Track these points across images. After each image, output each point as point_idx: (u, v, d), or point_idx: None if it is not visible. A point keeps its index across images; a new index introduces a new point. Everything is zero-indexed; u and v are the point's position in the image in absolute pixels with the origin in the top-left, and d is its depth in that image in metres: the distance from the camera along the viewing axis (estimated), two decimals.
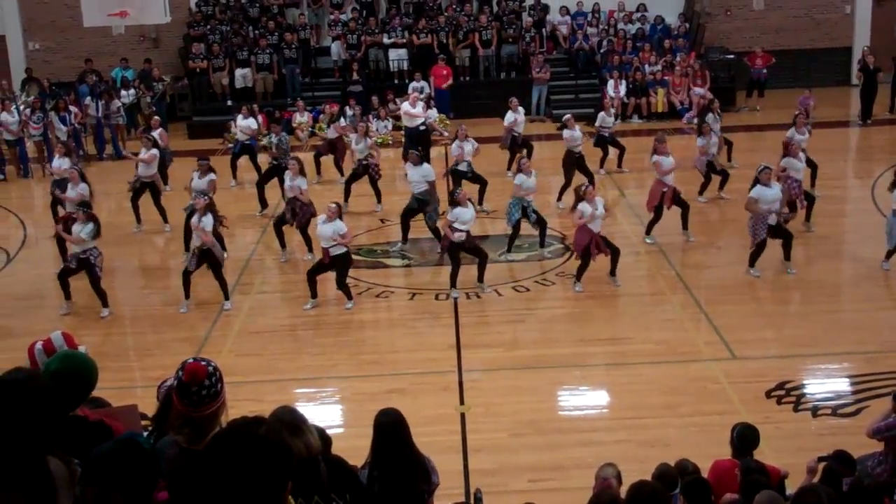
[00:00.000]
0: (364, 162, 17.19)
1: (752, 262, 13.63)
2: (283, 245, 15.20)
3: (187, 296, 13.30)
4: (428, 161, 16.41)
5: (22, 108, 21.91)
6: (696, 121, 22.15)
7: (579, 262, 13.41)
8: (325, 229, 12.85)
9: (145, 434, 4.59)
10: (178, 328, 12.92)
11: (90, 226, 12.88)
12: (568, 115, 17.60)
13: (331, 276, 13.29)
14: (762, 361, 11.26)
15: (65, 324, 12.71)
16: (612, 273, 13.53)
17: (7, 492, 3.68)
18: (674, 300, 13.14)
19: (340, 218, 12.92)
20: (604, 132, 19.02)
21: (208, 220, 13.03)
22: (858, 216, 16.74)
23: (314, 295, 13.23)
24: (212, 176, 14.98)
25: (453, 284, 13.44)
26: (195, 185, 14.81)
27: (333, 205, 13.06)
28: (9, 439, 3.73)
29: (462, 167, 16.97)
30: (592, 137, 19.14)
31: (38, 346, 4.91)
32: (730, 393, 10.47)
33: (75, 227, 13.00)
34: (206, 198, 13.54)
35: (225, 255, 14.56)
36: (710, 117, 18.11)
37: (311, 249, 14.83)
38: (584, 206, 13.06)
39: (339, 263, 13.03)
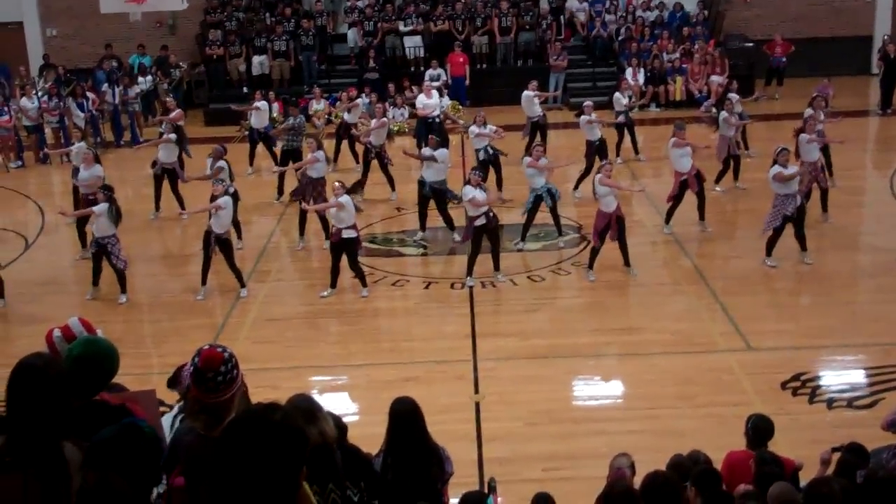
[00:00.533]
0: (376, 148, 17.17)
1: (768, 251, 13.56)
2: (301, 233, 15.20)
3: (204, 282, 13.35)
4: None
5: (41, 94, 22.01)
6: (714, 110, 22.07)
7: (591, 248, 13.42)
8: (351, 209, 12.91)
9: (175, 412, 4.62)
10: (195, 315, 12.98)
11: (105, 204, 12.96)
12: (588, 102, 17.50)
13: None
14: (778, 352, 11.23)
15: (82, 309, 12.79)
16: (627, 263, 13.50)
17: (23, 476, 3.73)
18: (689, 290, 13.11)
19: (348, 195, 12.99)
20: (620, 118, 18.94)
21: (226, 202, 13.08)
22: (876, 207, 16.68)
23: (333, 285, 13.25)
24: (220, 163, 14.93)
25: (469, 272, 13.44)
26: (210, 173, 14.84)
27: (337, 183, 13.09)
28: (25, 424, 3.78)
29: (481, 155, 16.89)
30: (613, 125, 19.03)
31: (57, 332, 4.94)
32: (745, 384, 10.46)
33: (96, 209, 13.07)
34: (224, 184, 13.56)
35: (240, 244, 14.55)
36: (732, 96, 18.04)
37: (328, 237, 14.87)
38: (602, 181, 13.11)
39: (349, 247, 13.06)
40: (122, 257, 13.19)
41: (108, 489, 3.27)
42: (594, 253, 13.40)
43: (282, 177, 17.48)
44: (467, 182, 13.36)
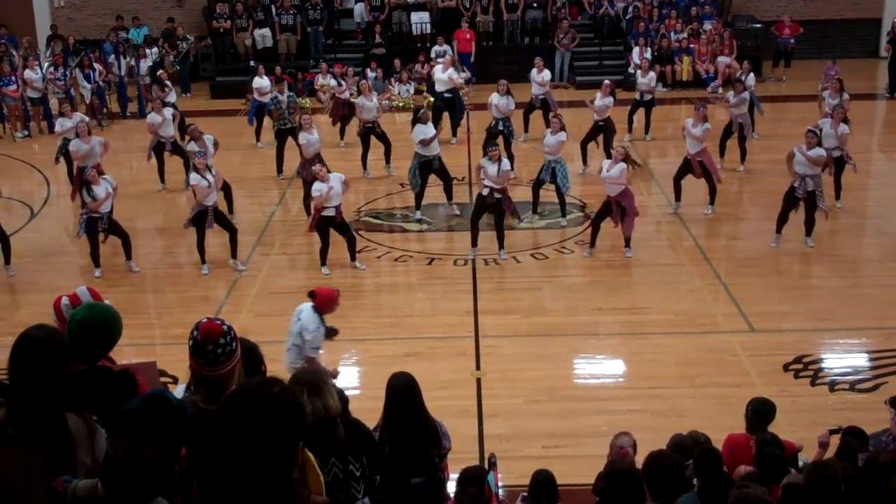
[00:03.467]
0: (368, 125, 17.07)
1: (777, 228, 13.54)
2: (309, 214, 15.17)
3: (203, 259, 13.34)
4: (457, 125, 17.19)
5: (46, 65, 21.95)
6: (720, 90, 22.01)
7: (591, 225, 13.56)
8: (338, 189, 12.87)
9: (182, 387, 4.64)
10: (198, 287, 12.98)
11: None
12: (607, 81, 17.36)
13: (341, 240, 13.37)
14: (780, 334, 11.24)
15: (87, 279, 12.82)
16: (626, 245, 13.46)
17: (27, 447, 3.75)
18: (693, 271, 13.10)
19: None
20: (647, 97, 18.94)
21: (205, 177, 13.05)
22: (882, 190, 16.62)
23: (325, 262, 13.24)
24: (207, 137, 14.77)
25: (473, 242, 13.50)
26: (191, 148, 14.77)
27: (320, 166, 13.12)
28: (28, 395, 3.80)
29: (493, 123, 16.77)
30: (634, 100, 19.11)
31: (65, 300, 4.95)
32: (747, 365, 10.47)
33: (104, 183, 13.03)
34: (204, 157, 13.43)
35: (234, 219, 14.42)
36: (750, 77, 18.03)
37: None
38: (603, 162, 13.31)
39: (332, 224, 13.11)
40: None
41: (136, 458, 3.29)
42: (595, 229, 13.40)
43: (280, 155, 17.36)
44: (487, 156, 13.28)
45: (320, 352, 8.91)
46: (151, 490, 3.35)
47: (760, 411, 7.18)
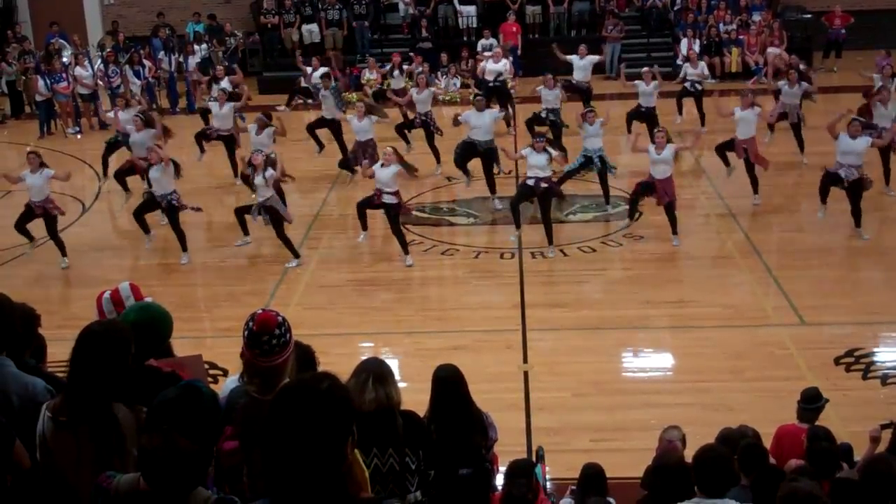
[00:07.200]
0: (424, 118, 17.12)
1: (821, 199, 13.64)
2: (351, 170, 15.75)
3: (245, 232, 13.76)
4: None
5: (98, 62, 22.25)
6: (765, 79, 21.78)
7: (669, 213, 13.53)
8: (382, 173, 13.03)
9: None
10: (247, 281, 13.10)
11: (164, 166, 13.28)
12: (646, 69, 17.43)
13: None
14: (831, 328, 11.09)
15: (138, 273, 13.00)
16: (674, 231, 13.40)
17: (76, 434, 3.85)
18: (742, 264, 12.98)
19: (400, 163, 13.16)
20: (696, 86, 18.84)
21: (269, 175, 13.15)
22: None
23: (364, 227, 13.61)
24: (269, 130, 15.00)
25: (516, 224, 13.70)
26: (254, 141, 14.89)
27: (390, 149, 13.21)
28: (83, 386, 3.88)
29: (542, 114, 16.94)
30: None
31: (106, 295, 4.99)
32: (797, 359, 10.35)
33: (152, 172, 13.26)
34: (262, 153, 13.55)
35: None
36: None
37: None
38: (649, 146, 13.37)
39: (391, 211, 13.15)
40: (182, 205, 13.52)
41: (174, 449, 3.34)
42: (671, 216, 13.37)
43: (313, 134, 17.65)
44: (530, 147, 13.44)
45: None
46: (191, 479, 3.40)
47: (810, 394, 7.21)
